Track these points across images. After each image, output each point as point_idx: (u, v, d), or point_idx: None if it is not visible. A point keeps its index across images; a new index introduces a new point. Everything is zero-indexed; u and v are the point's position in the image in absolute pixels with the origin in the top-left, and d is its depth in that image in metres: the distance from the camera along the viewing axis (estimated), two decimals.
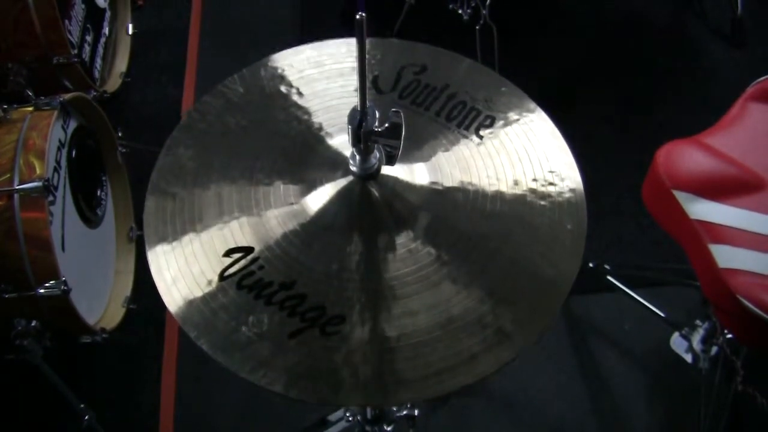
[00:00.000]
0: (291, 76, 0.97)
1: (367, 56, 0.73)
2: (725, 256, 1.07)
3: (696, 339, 1.48)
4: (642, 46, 2.27)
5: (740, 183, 1.14)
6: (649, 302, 1.60)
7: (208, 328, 0.77)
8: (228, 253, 0.81)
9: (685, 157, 1.18)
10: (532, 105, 0.94)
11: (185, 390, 1.66)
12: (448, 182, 0.87)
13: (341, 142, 0.90)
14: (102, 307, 1.65)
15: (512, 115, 0.93)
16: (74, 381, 1.46)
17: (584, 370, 1.66)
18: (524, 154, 0.89)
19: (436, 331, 0.76)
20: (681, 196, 1.14)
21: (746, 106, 1.23)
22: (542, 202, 0.85)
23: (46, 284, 1.33)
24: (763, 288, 1.04)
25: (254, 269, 0.80)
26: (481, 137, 0.91)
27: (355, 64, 0.74)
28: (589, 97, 2.13)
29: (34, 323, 1.36)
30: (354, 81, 0.94)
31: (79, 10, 1.89)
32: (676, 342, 1.53)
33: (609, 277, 1.65)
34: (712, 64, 2.20)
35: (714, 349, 1.46)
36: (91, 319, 1.53)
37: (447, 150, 0.90)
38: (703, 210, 1.12)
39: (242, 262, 0.81)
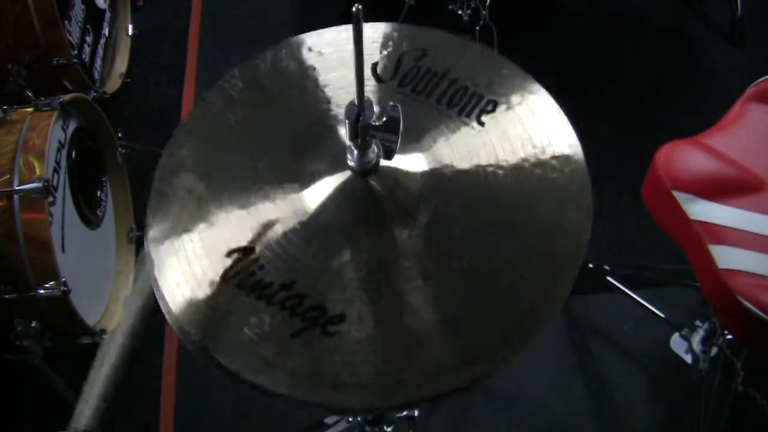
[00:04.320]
0: (290, 67, 0.95)
1: (365, 45, 0.71)
2: (725, 257, 1.07)
3: (696, 339, 1.47)
4: (642, 46, 2.27)
5: (740, 183, 1.14)
6: (649, 302, 1.59)
7: (211, 330, 0.76)
8: (229, 254, 0.81)
9: (685, 157, 1.18)
10: (536, 86, 0.91)
11: (185, 390, 1.66)
12: (449, 172, 0.85)
13: (342, 135, 0.88)
14: (102, 307, 1.65)
15: (515, 99, 0.90)
16: (74, 381, 1.46)
17: (584, 370, 1.66)
18: (527, 139, 0.87)
19: (438, 328, 0.75)
20: (681, 197, 1.13)
21: (746, 106, 1.23)
22: (546, 188, 0.83)
23: (46, 285, 1.33)
24: (763, 288, 1.04)
25: (255, 270, 0.80)
26: (482, 124, 0.88)
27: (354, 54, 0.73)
28: (589, 96, 2.12)
29: (34, 324, 1.36)
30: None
31: (78, 10, 1.89)
32: (676, 342, 1.53)
33: (609, 278, 1.65)
34: (712, 64, 2.20)
35: (714, 350, 1.46)
36: (91, 320, 1.53)
37: (448, 139, 0.88)
38: (703, 210, 1.12)
39: (243, 263, 0.80)
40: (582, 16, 2.36)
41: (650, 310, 1.58)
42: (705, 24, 2.30)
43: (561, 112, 0.89)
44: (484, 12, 1.93)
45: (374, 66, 0.94)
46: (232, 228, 0.83)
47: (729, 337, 1.39)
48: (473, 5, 1.98)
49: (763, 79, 1.25)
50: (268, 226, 0.83)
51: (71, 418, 0.53)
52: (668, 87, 2.16)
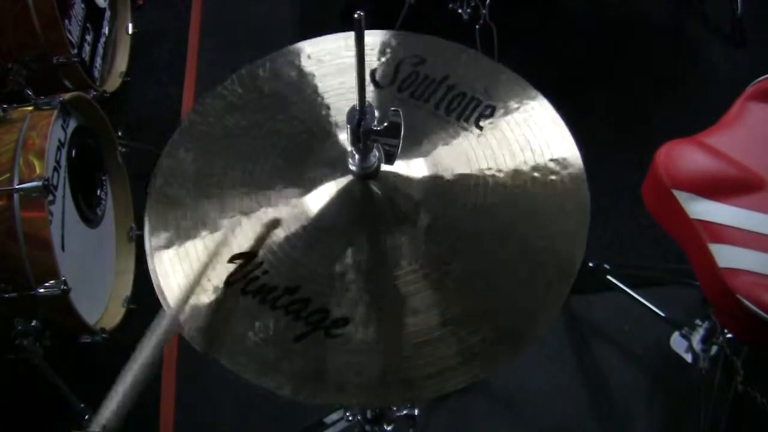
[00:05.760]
0: (289, 74, 0.96)
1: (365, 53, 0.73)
2: (725, 256, 1.07)
3: (696, 338, 1.47)
4: (642, 46, 2.27)
5: (740, 183, 1.14)
6: (649, 302, 1.59)
7: (215, 335, 0.77)
8: (232, 259, 0.81)
9: (685, 156, 1.18)
10: (533, 92, 0.92)
11: (185, 390, 1.66)
12: (449, 176, 0.86)
13: (341, 140, 0.89)
14: (102, 307, 1.65)
15: (512, 104, 0.91)
16: (74, 381, 1.46)
17: (584, 370, 1.66)
18: (525, 143, 0.88)
19: (439, 330, 0.76)
20: (681, 196, 1.14)
21: (746, 105, 1.23)
22: (544, 191, 0.84)
23: (46, 284, 1.33)
24: (763, 288, 1.04)
25: (258, 274, 0.80)
26: (481, 128, 0.89)
27: (354, 60, 0.73)
28: (589, 97, 2.13)
29: (34, 323, 1.36)
30: (353, 77, 0.94)
31: (78, 9, 1.89)
32: (676, 342, 1.53)
33: (609, 277, 1.65)
34: (712, 64, 2.20)
35: (714, 349, 1.46)
36: (91, 319, 1.53)
37: (447, 143, 0.89)
38: (703, 210, 1.12)
39: (247, 268, 0.80)
40: (582, 16, 2.36)
41: (650, 309, 1.59)
42: (705, 24, 2.30)
43: (558, 115, 0.90)
44: (483, 11, 1.93)
45: (373, 72, 0.95)
46: (234, 233, 0.83)
47: (729, 336, 1.39)
48: (473, 4, 1.98)
49: (762, 78, 1.25)
50: (270, 230, 0.83)
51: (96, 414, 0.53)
52: (668, 87, 2.16)
